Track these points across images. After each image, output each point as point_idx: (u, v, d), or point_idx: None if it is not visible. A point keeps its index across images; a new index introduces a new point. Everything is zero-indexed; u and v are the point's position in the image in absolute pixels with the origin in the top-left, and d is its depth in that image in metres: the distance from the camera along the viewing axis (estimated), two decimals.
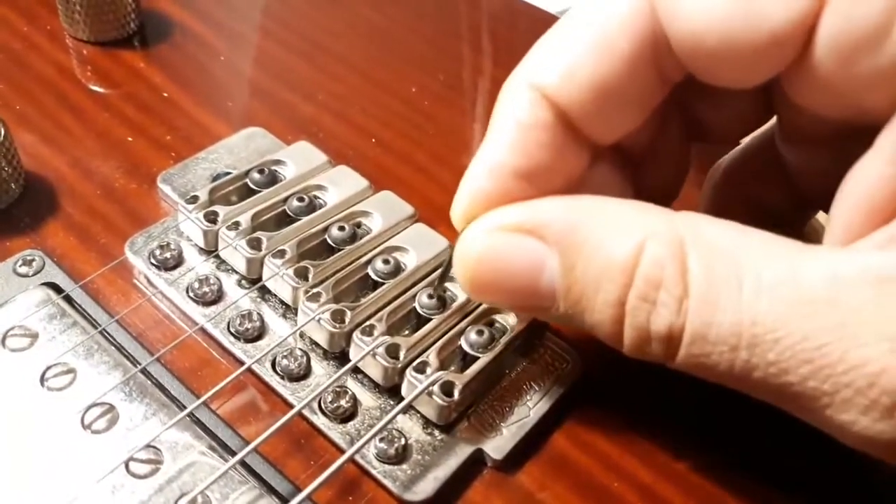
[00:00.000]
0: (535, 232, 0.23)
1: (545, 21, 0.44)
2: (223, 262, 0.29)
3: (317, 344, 0.27)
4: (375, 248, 0.29)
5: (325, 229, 0.29)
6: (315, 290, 0.27)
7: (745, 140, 0.30)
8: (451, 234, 0.30)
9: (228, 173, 0.31)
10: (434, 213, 0.31)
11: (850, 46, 0.20)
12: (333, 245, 0.29)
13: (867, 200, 0.21)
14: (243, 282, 0.29)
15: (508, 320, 0.28)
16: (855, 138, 0.22)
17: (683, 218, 0.22)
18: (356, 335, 0.26)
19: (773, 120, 0.28)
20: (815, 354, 0.19)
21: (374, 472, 0.25)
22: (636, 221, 0.22)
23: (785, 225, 0.25)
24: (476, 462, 0.26)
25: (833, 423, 0.20)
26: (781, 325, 0.20)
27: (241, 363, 0.27)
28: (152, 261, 0.29)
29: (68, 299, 0.28)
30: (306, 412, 0.26)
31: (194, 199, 0.29)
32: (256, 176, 0.31)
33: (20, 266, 0.28)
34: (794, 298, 0.20)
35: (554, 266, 0.22)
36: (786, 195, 0.28)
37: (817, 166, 0.26)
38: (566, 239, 0.22)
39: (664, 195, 0.28)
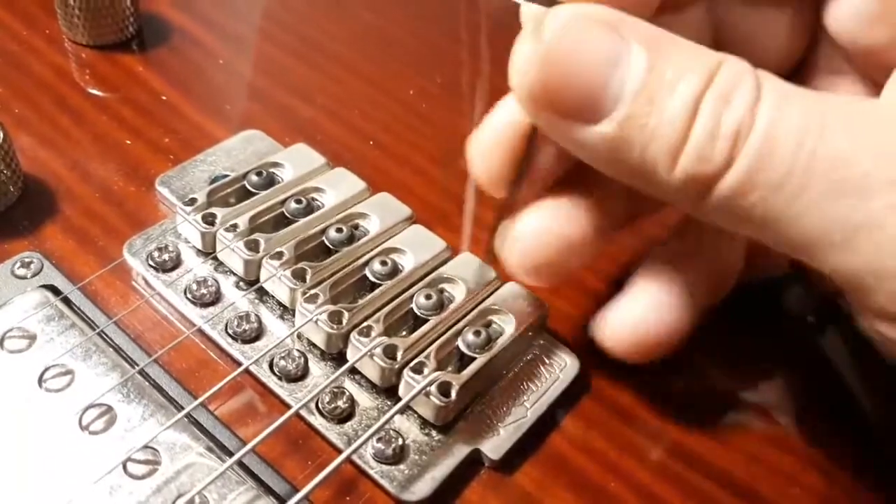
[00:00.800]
0: (620, 29, 0.21)
1: None
2: (221, 263, 0.29)
3: (314, 345, 0.27)
4: (373, 249, 0.29)
5: (323, 231, 0.29)
6: (313, 292, 0.27)
7: None
8: (449, 235, 0.30)
9: (226, 176, 0.31)
10: (431, 214, 0.31)
11: None
12: (331, 247, 0.29)
13: None
14: (241, 283, 0.29)
15: (505, 321, 0.28)
16: None
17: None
18: (354, 336, 0.26)
19: None
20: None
21: (371, 472, 0.25)
22: (712, 55, 0.21)
23: None
24: (473, 462, 0.26)
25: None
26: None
27: (239, 364, 0.27)
28: (150, 263, 0.29)
29: (66, 301, 0.28)
30: (304, 413, 0.26)
31: (192, 201, 0.29)
32: (254, 178, 0.31)
33: (18, 268, 0.28)
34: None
35: (637, 62, 0.21)
36: None
37: None
38: (654, 40, 0.21)
39: None
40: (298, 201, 0.30)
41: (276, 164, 0.32)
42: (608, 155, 0.22)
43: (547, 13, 0.22)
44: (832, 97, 0.21)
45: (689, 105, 0.21)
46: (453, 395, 0.25)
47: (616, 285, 0.31)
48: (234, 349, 0.27)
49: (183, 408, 0.25)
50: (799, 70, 0.27)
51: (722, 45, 0.26)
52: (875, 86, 0.25)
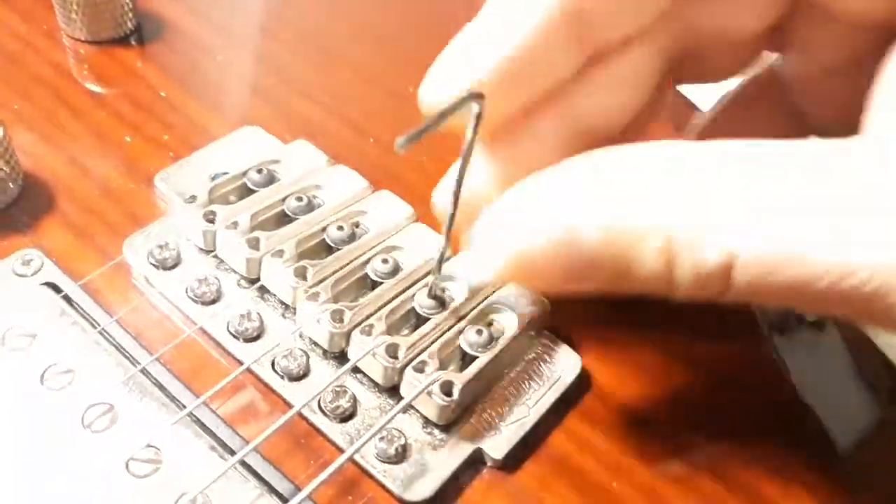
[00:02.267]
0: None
1: None
2: (222, 261, 0.29)
3: (316, 343, 0.27)
4: (374, 247, 0.29)
5: (324, 229, 0.29)
6: (314, 290, 0.27)
7: (739, 87, 0.29)
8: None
9: (226, 173, 0.31)
10: (432, 212, 0.31)
11: None
12: (332, 245, 0.29)
13: None
14: (242, 281, 0.29)
15: (507, 320, 0.28)
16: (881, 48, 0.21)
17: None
18: (355, 335, 0.26)
19: (772, 60, 0.27)
20: None
21: (373, 471, 0.25)
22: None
23: None
24: (475, 461, 0.26)
25: None
26: None
27: (241, 363, 0.27)
28: (151, 260, 0.29)
29: (67, 299, 0.28)
30: (306, 412, 0.26)
31: (193, 198, 0.29)
32: (255, 175, 0.31)
33: (19, 266, 0.28)
34: None
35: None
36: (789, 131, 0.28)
37: (839, 96, 0.25)
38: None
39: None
40: (299, 199, 0.30)
41: (276, 162, 0.32)
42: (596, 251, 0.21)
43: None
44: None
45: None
46: (455, 394, 0.25)
47: None
48: (236, 348, 0.27)
49: (185, 406, 0.25)
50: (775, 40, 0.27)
51: (693, 50, 0.26)
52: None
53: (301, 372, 0.27)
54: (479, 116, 0.22)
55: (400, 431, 0.26)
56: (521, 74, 0.23)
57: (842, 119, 0.22)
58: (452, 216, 0.24)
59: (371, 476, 0.25)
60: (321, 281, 0.28)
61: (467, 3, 0.45)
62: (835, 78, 0.26)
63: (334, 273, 0.28)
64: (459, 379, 0.26)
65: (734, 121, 0.29)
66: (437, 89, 0.23)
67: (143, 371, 0.26)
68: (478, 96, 0.21)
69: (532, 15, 0.22)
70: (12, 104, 0.34)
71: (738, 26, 0.26)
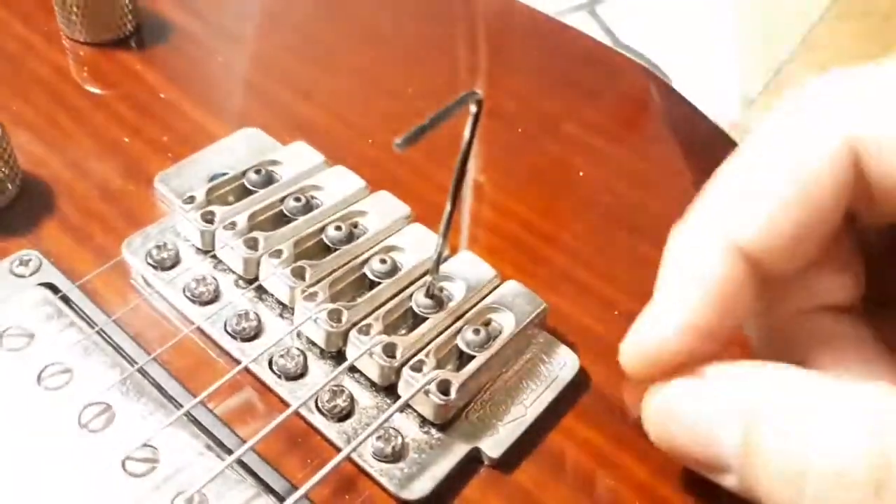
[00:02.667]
0: (716, 394, 0.22)
1: (541, 22, 0.44)
2: (220, 261, 0.29)
3: (314, 343, 0.27)
4: (372, 247, 0.29)
5: (322, 229, 0.29)
6: (312, 290, 0.27)
7: None
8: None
9: (225, 174, 0.31)
10: (430, 212, 0.31)
11: None
12: (330, 245, 0.29)
13: None
14: (240, 281, 0.29)
15: (505, 320, 0.28)
16: None
17: (880, 391, 0.20)
18: (353, 334, 0.26)
19: None
20: None
21: (370, 470, 0.25)
22: (821, 395, 0.21)
23: None
24: (473, 460, 0.26)
25: None
26: None
27: (238, 362, 0.27)
28: (149, 261, 0.29)
29: (65, 299, 0.28)
30: (303, 411, 0.26)
31: (191, 199, 0.29)
32: (253, 176, 0.31)
33: (17, 266, 0.28)
34: None
35: (734, 434, 0.22)
36: None
37: None
38: (746, 405, 0.22)
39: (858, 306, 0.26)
40: (297, 199, 0.30)
41: (274, 162, 0.32)
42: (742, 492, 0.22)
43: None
44: None
45: (792, 486, 0.20)
46: (453, 393, 0.25)
47: (611, 281, 0.32)
48: (234, 347, 0.27)
49: (182, 406, 0.25)
50: None
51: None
52: None
53: (298, 371, 0.27)
54: (477, 116, 0.22)
55: (397, 430, 0.26)
56: (709, 332, 0.23)
57: None
58: (450, 215, 0.24)
59: (368, 475, 0.25)
60: (319, 281, 0.28)
61: (465, 4, 0.45)
62: None
63: (332, 273, 0.28)
64: (457, 378, 0.26)
65: None
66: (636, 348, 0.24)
67: (141, 371, 0.26)
68: (475, 97, 0.21)
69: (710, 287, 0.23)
70: (12, 105, 0.34)
71: None
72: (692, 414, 0.23)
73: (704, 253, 0.23)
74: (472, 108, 0.21)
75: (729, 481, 0.23)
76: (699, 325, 0.23)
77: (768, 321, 0.26)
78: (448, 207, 0.24)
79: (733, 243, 0.23)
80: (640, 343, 0.24)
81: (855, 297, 0.25)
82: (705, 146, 0.38)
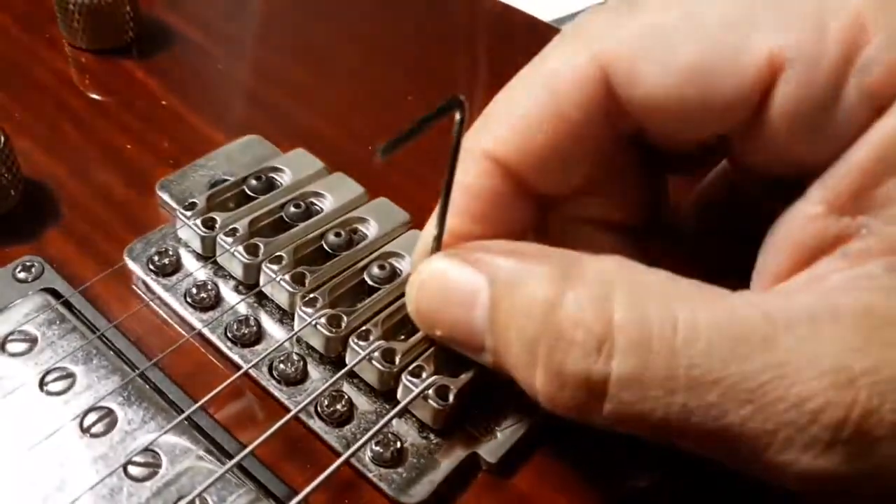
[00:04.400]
0: (475, 263, 0.23)
1: (540, 30, 0.45)
2: (220, 267, 0.29)
3: (313, 349, 0.28)
4: (371, 253, 0.30)
5: (322, 235, 0.30)
6: (312, 296, 0.27)
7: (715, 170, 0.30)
8: None
9: (226, 180, 0.32)
10: (429, 219, 0.32)
11: (800, 111, 0.21)
12: (330, 251, 0.29)
13: (794, 243, 0.22)
14: (240, 287, 0.29)
15: None
16: (789, 191, 0.22)
17: (612, 261, 0.22)
18: (352, 340, 0.27)
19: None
20: (756, 394, 0.19)
21: (369, 475, 0.25)
22: (565, 263, 0.22)
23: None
24: (471, 466, 0.26)
25: (773, 464, 0.20)
26: (720, 366, 0.19)
27: (239, 368, 0.27)
28: (150, 267, 0.29)
29: (67, 305, 0.28)
30: (303, 416, 0.26)
31: (192, 205, 0.30)
32: (254, 182, 0.31)
33: (19, 272, 0.29)
34: (731, 339, 0.19)
35: (484, 300, 0.23)
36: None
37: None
38: (496, 272, 0.22)
39: (642, 228, 0.28)
40: (297, 206, 0.30)
41: (275, 169, 0.32)
42: (497, 370, 0.23)
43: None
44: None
45: (528, 349, 0.21)
46: (451, 398, 0.26)
47: None
48: (234, 353, 0.27)
49: (183, 411, 0.25)
50: None
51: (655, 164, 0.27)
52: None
53: (298, 376, 0.27)
54: (462, 122, 0.22)
55: (396, 435, 0.26)
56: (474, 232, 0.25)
57: None
58: (442, 218, 0.25)
59: (367, 479, 0.25)
60: (319, 287, 0.28)
61: (464, 13, 0.46)
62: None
63: (332, 279, 0.28)
64: (455, 383, 0.26)
65: (709, 199, 0.30)
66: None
67: (142, 376, 0.26)
68: (459, 103, 0.22)
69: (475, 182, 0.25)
70: (14, 112, 0.35)
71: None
72: (449, 286, 0.23)
73: (464, 163, 0.24)
74: (457, 115, 0.22)
75: (486, 358, 0.23)
76: (458, 231, 0.24)
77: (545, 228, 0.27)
78: (437, 209, 0.24)
79: (486, 153, 0.24)
80: (417, 250, 0.26)
81: (626, 219, 0.27)
82: None
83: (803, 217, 0.22)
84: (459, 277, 0.23)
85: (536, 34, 0.45)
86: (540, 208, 0.26)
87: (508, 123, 0.24)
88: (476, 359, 0.24)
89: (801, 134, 0.21)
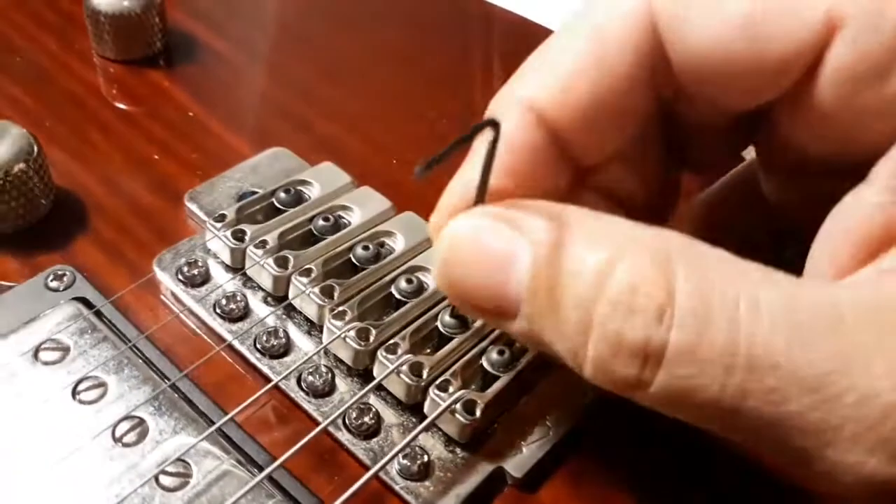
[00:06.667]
0: (513, 222, 0.21)
1: None
2: (249, 279, 0.30)
3: (341, 361, 0.28)
4: (399, 267, 0.30)
5: (350, 248, 0.30)
6: (340, 309, 0.28)
7: (728, 174, 0.29)
8: None
9: (254, 192, 0.32)
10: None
11: (856, 76, 0.20)
12: (358, 264, 0.30)
13: (857, 233, 0.20)
14: (269, 299, 0.29)
15: None
16: (838, 173, 0.21)
17: (675, 234, 0.20)
18: (381, 353, 0.27)
19: (754, 153, 0.28)
20: (821, 383, 0.18)
21: (396, 487, 0.25)
22: (620, 230, 0.20)
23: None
24: (497, 479, 0.26)
25: (832, 464, 0.18)
26: (783, 349, 0.18)
27: (267, 379, 0.27)
28: (180, 277, 0.29)
29: (98, 314, 0.28)
30: (331, 428, 0.26)
31: (222, 217, 0.30)
32: (283, 195, 0.31)
33: (51, 281, 0.29)
34: (795, 323, 0.18)
35: (525, 262, 0.20)
36: (765, 229, 0.28)
37: (798, 199, 0.26)
38: (542, 234, 0.20)
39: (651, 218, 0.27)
40: (326, 219, 0.31)
41: (303, 182, 0.32)
42: (526, 339, 0.22)
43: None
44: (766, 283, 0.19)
45: (581, 316, 0.19)
46: (478, 412, 0.26)
47: None
48: (263, 364, 0.28)
49: (213, 421, 0.26)
50: None
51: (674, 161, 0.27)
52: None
53: (326, 389, 0.27)
54: (494, 142, 0.22)
55: (423, 449, 0.26)
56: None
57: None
58: (486, 174, 0.24)
59: (394, 492, 0.25)
60: (347, 300, 0.28)
61: (485, 27, 0.46)
62: (795, 182, 0.25)
63: (360, 292, 0.29)
64: (482, 398, 0.26)
65: (716, 206, 0.29)
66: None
67: (173, 387, 0.27)
68: (493, 123, 0.22)
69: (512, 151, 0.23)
70: (45, 121, 0.35)
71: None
72: (484, 246, 0.21)
73: (506, 112, 0.23)
74: (490, 135, 0.22)
75: (517, 325, 0.21)
76: (491, 186, 0.22)
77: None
78: (464, 165, 0.24)
79: (528, 102, 0.23)
80: (442, 205, 0.24)
81: (640, 203, 0.26)
82: None
83: (866, 205, 0.20)
84: (496, 237, 0.21)
85: None
86: (573, 177, 0.24)
87: (553, 74, 0.23)
88: (501, 327, 0.22)
89: (855, 104, 0.20)
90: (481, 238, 0.21)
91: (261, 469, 0.25)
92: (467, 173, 0.23)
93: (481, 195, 0.23)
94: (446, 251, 0.22)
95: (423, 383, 0.26)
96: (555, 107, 0.23)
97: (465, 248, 0.22)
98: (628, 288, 0.19)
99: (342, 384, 0.28)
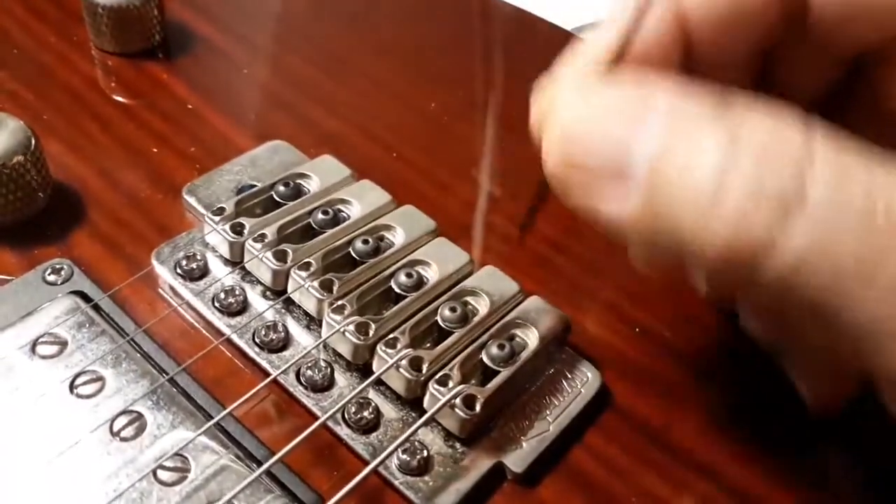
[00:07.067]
0: (644, 84, 0.20)
1: (561, 38, 0.45)
2: (248, 273, 0.30)
3: (340, 355, 0.28)
4: (398, 261, 0.30)
5: (349, 242, 0.30)
6: (340, 303, 0.27)
7: None
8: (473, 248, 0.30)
9: (252, 185, 0.32)
10: (455, 227, 0.32)
11: None
12: (357, 258, 0.30)
13: None
14: (268, 293, 0.29)
15: (528, 335, 0.28)
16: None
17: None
18: (380, 348, 0.27)
19: None
20: None
21: (396, 482, 0.25)
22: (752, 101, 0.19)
23: None
24: (496, 475, 0.26)
25: None
26: None
27: (266, 373, 0.27)
28: (178, 271, 0.29)
29: (96, 308, 0.28)
30: (330, 423, 0.26)
31: (220, 210, 0.30)
32: (282, 189, 0.31)
33: (49, 274, 0.29)
34: None
35: (657, 120, 0.19)
36: None
37: None
38: (669, 99, 0.20)
39: None
40: (325, 213, 0.30)
41: (302, 175, 0.32)
42: (641, 227, 0.20)
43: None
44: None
45: (719, 164, 0.18)
46: (478, 408, 0.26)
47: (632, 298, 0.32)
48: (262, 358, 0.27)
49: (211, 416, 0.26)
50: None
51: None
52: None
53: (325, 383, 0.27)
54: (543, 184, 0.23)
55: (422, 444, 0.26)
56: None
57: None
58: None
59: (393, 487, 0.25)
60: (346, 294, 0.28)
61: (486, 21, 0.46)
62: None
63: (359, 286, 0.28)
64: (482, 393, 0.26)
65: None
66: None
67: (171, 381, 0.26)
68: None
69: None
70: (43, 114, 0.35)
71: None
72: (611, 106, 0.20)
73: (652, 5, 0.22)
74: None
75: (630, 201, 0.20)
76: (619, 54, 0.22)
77: None
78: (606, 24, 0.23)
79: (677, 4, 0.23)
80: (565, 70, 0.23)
81: None
82: None
83: None
84: (622, 98, 0.20)
85: (558, 42, 0.45)
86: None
87: None
88: (600, 205, 0.20)
89: None
90: (607, 95, 0.20)
91: (260, 464, 0.25)
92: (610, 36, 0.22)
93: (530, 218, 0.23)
94: (571, 108, 0.21)
95: (422, 378, 0.26)
96: (699, 13, 0.23)
97: (590, 108, 0.20)
98: (771, 141, 0.18)
99: (341, 379, 0.27)
